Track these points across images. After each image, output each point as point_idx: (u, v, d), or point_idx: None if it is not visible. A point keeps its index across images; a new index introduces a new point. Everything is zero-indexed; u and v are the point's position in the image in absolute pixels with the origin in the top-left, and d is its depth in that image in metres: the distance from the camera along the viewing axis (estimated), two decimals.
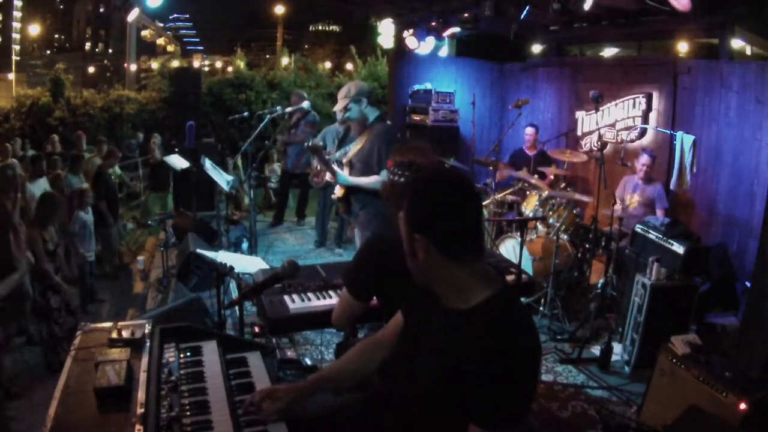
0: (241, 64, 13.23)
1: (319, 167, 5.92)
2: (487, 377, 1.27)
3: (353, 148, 3.61)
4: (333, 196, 3.77)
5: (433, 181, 1.49)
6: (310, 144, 4.75)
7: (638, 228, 4.36)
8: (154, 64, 13.07)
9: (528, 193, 5.39)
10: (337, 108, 3.61)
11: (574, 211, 4.99)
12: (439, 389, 1.37)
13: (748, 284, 4.15)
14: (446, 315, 1.42)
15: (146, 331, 1.85)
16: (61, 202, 4.83)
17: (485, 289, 1.39)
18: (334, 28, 54.37)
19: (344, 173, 3.58)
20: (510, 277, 3.25)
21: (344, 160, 3.66)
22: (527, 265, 4.51)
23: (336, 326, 2.50)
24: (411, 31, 7.37)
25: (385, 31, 7.97)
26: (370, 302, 2.26)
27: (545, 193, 5.06)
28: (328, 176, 3.64)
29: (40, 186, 6.10)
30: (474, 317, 1.36)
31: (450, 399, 1.34)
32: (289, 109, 6.10)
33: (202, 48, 42.84)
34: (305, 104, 6.09)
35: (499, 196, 5.54)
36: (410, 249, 1.43)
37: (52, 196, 4.88)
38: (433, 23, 6.92)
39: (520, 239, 3.95)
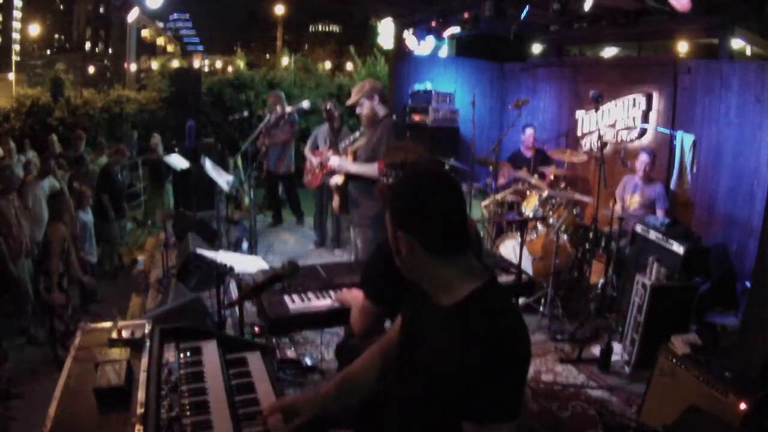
0: (241, 64, 13.24)
1: (313, 166, 5.94)
2: (476, 371, 1.27)
3: (360, 141, 3.65)
4: (332, 182, 3.79)
5: (412, 178, 1.50)
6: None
7: (638, 228, 4.36)
8: (154, 64, 13.09)
9: (528, 193, 5.39)
10: (350, 102, 3.71)
11: (574, 211, 4.99)
12: (432, 387, 1.37)
13: (748, 284, 4.15)
14: (435, 312, 1.42)
15: (146, 331, 1.84)
16: (67, 198, 4.94)
17: (470, 283, 1.39)
18: (334, 28, 54.36)
19: (348, 159, 3.63)
20: (510, 277, 3.26)
21: (350, 149, 3.69)
22: (527, 265, 4.51)
23: (360, 338, 2.37)
24: (411, 31, 7.37)
25: (385, 31, 7.97)
26: (389, 307, 2.19)
27: (545, 193, 5.06)
28: (335, 176, 3.67)
29: (45, 186, 6.11)
30: (459, 312, 1.36)
31: (443, 397, 1.34)
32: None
33: (202, 48, 42.87)
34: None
35: (499, 196, 5.54)
36: (395, 247, 1.43)
37: (60, 194, 4.97)
38: (433, 23, 6.92)
39: (520, 239, 3.95)
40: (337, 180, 3.68)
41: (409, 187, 1.44)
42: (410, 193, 1.41)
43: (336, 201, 3.83)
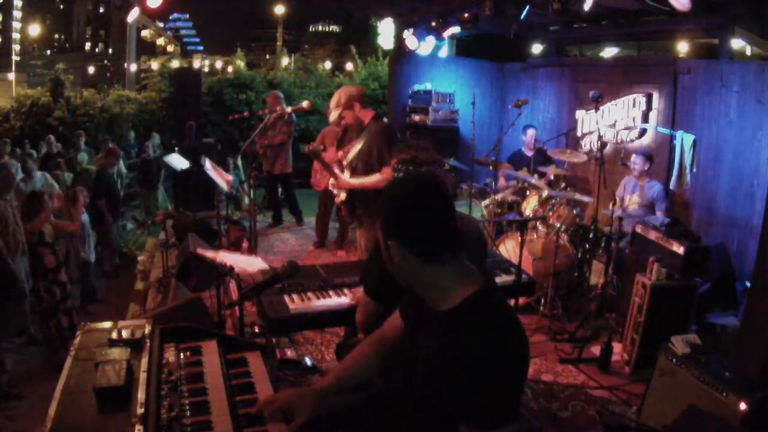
0: (241, 64, 13.19)
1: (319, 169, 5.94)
2: (473, 376, 1.26)
3: (354, 151, 3.62)
4: (336, 200, 3.77)
5: (400, 187, 1.50)
6: (310, 147, 4.70)
7: (638, 228, 4.36)
8: (154, 64, 13.04)
9: (528, 193, 5.39)
10: (332, 118, 3.66)
11: (574, 211, 4.99)
12: (430, 391, 1.36)
13: (748, 284, 4.15)
14: (431, 317, 1.42)
15: (146, 331, 1.85)
16: (43, 198, 4.88)
17: (465, 287, 1.38)
18: (334, 28, 54.34)
19: (346, 176, 3.58)
20: (510, 277, 3.26)
21: (345, 163, 3.66)
22: (527, 265, 4.51)
23: (362, 329, 2.45)
24: (411, 31, 7.37)
25: (385, 31, 7.97)
26: (386, 302, 2.22)
27: (545, 193, 5.06)
28: (330, 180, 3.65)
29: (35, 184, 6.11)
30: (455, 317, 1.36)
31: (441, 401, 1.34)
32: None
33: (202, 48, 42.88)
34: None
35: (499, 196, 5.54)
36: (387, 255, 1.43)
37: (39, 194, 4.93)
38: (433, 23, 6.92)
39: (520, 239, 3.95)
40: (340, 197, 3.67)
41: (395, 197, 1.43)
42: (397, 203, 1.41)
43: (344, 211, 3.82)
